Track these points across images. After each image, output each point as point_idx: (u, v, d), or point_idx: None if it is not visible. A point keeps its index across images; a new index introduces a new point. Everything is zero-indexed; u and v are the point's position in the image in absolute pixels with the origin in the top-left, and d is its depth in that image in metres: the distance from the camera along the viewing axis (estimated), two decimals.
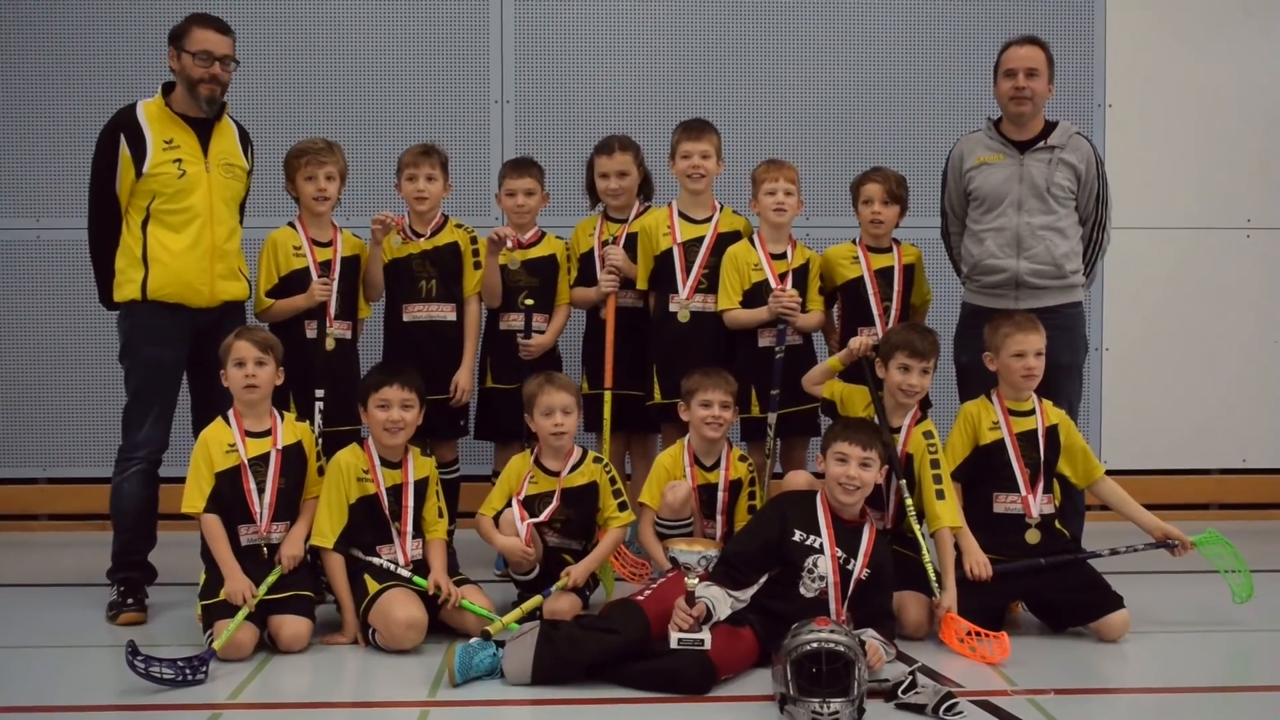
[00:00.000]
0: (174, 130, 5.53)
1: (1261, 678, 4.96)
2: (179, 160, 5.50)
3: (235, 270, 5.69)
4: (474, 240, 6.17)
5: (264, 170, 5.93)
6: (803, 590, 4.89)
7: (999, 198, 5.83)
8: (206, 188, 5.55)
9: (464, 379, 6.11)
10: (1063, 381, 5.77)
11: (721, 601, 4.74)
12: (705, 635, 4.63)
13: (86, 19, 7.30)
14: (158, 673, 4.58)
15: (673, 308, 6.08)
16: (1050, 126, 5.89)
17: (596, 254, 6.31)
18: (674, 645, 4.63)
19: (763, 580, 4.93)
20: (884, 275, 6.01)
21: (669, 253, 6.09)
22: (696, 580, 4.69)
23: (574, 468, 5.51)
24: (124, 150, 5.47)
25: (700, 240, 6.09)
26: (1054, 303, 5.81)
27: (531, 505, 5.44)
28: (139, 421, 5.58)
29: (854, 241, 6.11)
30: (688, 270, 6.07)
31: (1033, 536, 5.37)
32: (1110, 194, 5.95)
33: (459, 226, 6.21)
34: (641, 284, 6.20)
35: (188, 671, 4.63)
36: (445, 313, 6.12)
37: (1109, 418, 7.64)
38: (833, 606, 4.86)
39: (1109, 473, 5.65)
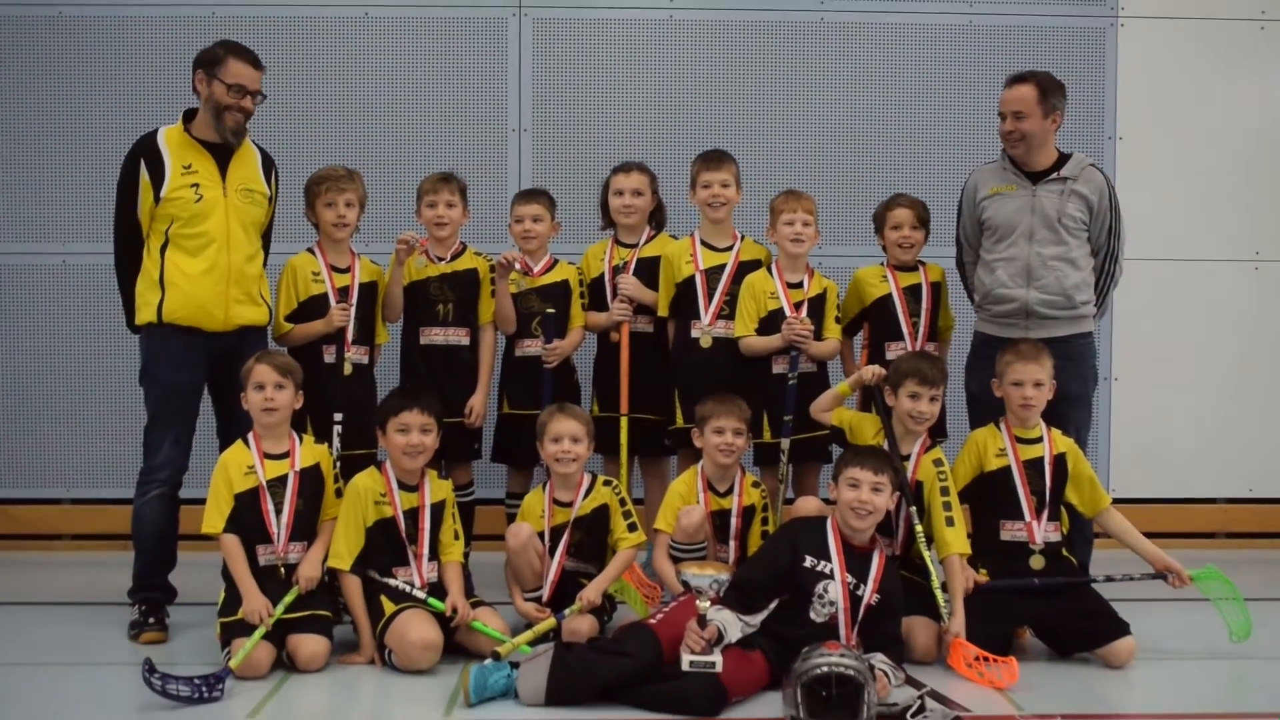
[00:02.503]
0: (192, 155, 5.56)
1: (1263, 705, 4.93)
2: (196, 185, 5.52)
3: (253, 295, 5.69)
4: (493, 269, 6.18)
5: (284, 197, 5.94)
6: (813, 615, 4.91)
7: (1011, 228, 5.86)
8: (224, 212, 5.57)
9: (478, 403, 6.13)
10: (1071, 411, 5.77)
11: (733, 625, 4.76)
12: (717, 658, 4.65)
13: (112, 47, 7.33)
14: (174, 690, 4.60)
15: (695, 334, 6.12)
16: (1064, 158, 5.90)
17: (607, 280, 6.33)
18: (685, 668, 4.64)
19: (774, 605, 4.93)
20: (912, 293, 6.14)
21: (691, 280, 6.14)
22: (708, 603, 4.72)
23: (586, 495, 5.52)
24: (144, 175, 5.50)
25: (722, 268, 6.15)
26: (1064, 333, 5.82)
27: (550, 537, 5.48)
28: (158, 444, 5.60)
29: (881, 264, 6.24)
30: (710, 297, 6.12)
31: (1037, 563, 5.37)
32: (1124, 226, 5.95)
33: (478, 254, 6.23)
34: (663, 311, 6.24)
35: (204, 689, 4.66)
36: (460, 337, 6.13)
37: (1117, 447, 7.63)
38: (843, 631, 4.88)
39: (1118, 501, 5.63)
